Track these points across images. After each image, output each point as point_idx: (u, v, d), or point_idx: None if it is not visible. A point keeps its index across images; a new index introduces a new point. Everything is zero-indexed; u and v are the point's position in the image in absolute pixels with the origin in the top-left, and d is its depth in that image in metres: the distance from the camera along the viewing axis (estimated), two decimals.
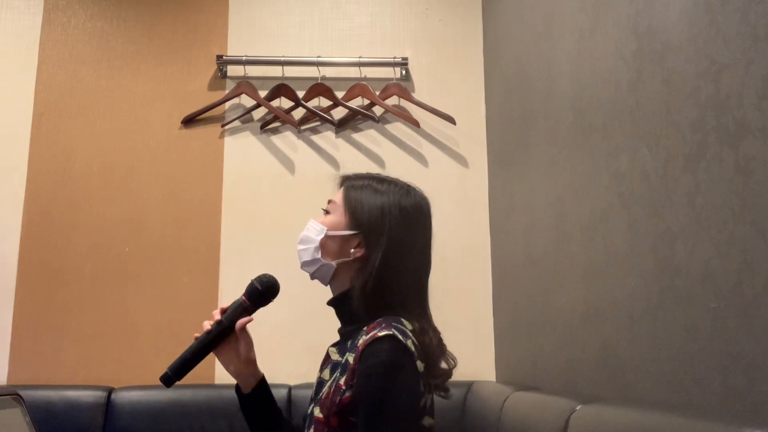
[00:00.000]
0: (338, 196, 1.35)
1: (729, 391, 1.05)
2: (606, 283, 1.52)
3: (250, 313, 1.32)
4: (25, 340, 2.47)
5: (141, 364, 2.43)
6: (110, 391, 2.30)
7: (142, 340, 2.49)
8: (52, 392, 2.27)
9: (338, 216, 1.32)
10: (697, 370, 1.14)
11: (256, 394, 1.34)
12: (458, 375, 2.32)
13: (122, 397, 2.28)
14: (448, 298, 2.53)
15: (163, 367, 2.65)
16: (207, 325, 1.31)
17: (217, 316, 1.32)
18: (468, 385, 2.28)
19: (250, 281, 1.34)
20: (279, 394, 2.26)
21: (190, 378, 2.44)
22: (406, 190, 1.33)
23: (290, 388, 2.30)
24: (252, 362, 1.33)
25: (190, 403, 2.27)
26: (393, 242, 1.27)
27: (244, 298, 1.33)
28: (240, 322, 1.30)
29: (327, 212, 1.36)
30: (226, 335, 1.31)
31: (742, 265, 1.03)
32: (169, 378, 1.29)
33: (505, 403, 1.70)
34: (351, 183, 1.35)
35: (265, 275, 1.34)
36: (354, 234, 1.30)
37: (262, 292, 1.33)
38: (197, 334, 1.31)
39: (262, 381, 1.35)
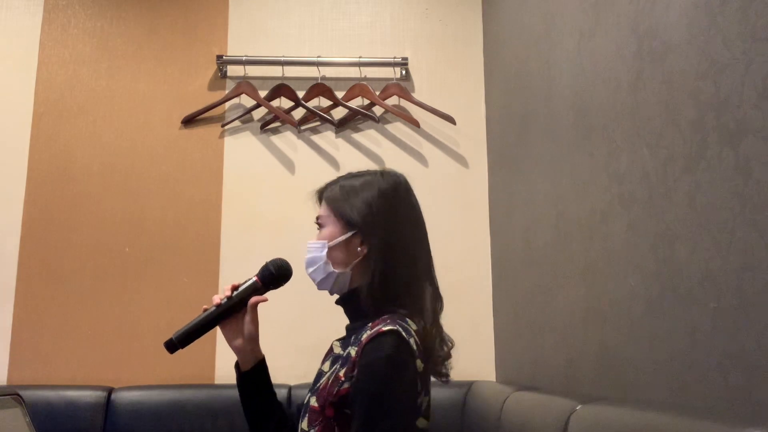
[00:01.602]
0: (323, 209, 1.38)
1: (729, 391, 1.05)
2: (606, 283, 1.52)
3: (261, 294, 1.35)
4: (25, 340, 2.47)
5: (141, 364, 2.43)
6: (110, 391, 2.30)
7: (142, 340, 2.49)
8: (52, 392, 2.27)
9: (331, 226, 1.35)
10: (697, 370, 1.14)
11: (254, 373, 1.36)
12: (458, 375, 2.32)
13: (122, 397, 2.28)
14: (448, 298, 2.51)
15: (163, 368, 2.65)
16: (217, 299, 1.34)
17: (228, 291, 1.34)
18: (468, 385, 2.28)
19: (264, 263, 1.36)
20: (279, 394, 2.26)
21: (190, 378, 2.44)
22: (380, 174, 1.37)
23: (290, 388, 2.30)
24: (255, 340, 1.35)
25: (190, 403, 2.27)
26: (386, 226, 1.30)
27: (257, 278, 1.35)
28: (254, 299, 1.33)
29: (320, 226, 1.38)
30: (234, 311, 1.34)
31: (742, 265, 1.03)
32: (174, 345, 1.31)
33: (505, 403, 1.70)
34: (328, 192, 1.39)
35: (279, 259, 1.37)
36: (353, 234, 1.32)
37: (276, 275, 1.35)
38: (206, 306, 1.34)
39: (262, 361, 1.38)
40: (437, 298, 1.33)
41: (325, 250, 1.33)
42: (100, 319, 2.50)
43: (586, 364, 1.62)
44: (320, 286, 1.36)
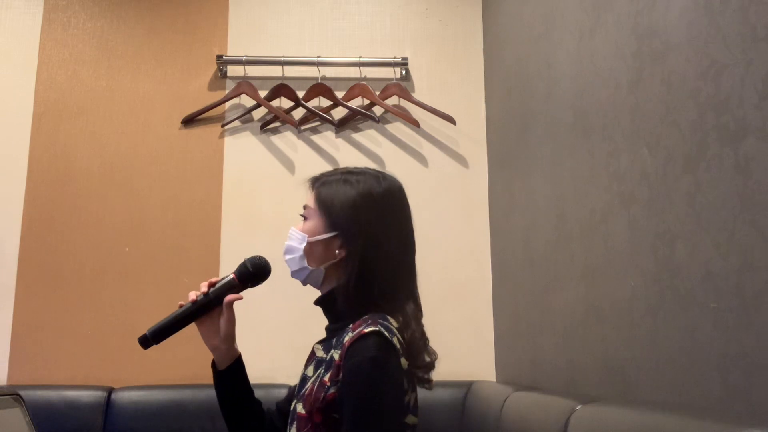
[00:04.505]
0: (311, 199, 1.34)
1: (729, 391, 1.05)
2: (606, 283, 1.52)
3: (238, 292, 1.33)
4: (25, 340, 2.47)
5: (141, 364, 2.43)
6: (110, 391, 2.30)
7: None
8: (52, 392, 2.27)
9: (315, 220, 1.32)
10: (697, 370, 1.14)
11: (230, 372, 1.36)
12: (458, 375, 2.35)
13: (122, 397, 2.28)
14: (448, 298, 2.53)
15: (163, 368, 2.65)
16: (193, 295, 1.33)
17: (205, 288, 1.33)
18: (468, 385, 2.28)
19: (242, 260, 1.35)
20: (279, 394, 2.26)
21: (190, 378, 2.44)
22: (376, 177, 1.32)
23: (290, 388, 2.29)
24: (231, 339, 1.34)
25: (190, 403, 2.27)
26: (370, 234, 1.27)
27: (233, 276, 1.34)
28: (229, 297, 1.32)
29: (305, 218, 1.35)
30: (210, 308, 1.33)
31: (742, 265, 1.03)
32: (147, 340, 1.31)
33: (505, 403, 1.70)
34: (321, 182, 1.34)
35: (257, 257, 1.36)
36: (334, 236, 1.29)
37: (252, 273, 1.34)
38: (182, 303, 1.33)
39: (239, 360, 1.37)
40: (417, 310, 1.29)
41: (304, 243, 1.31)
42: (100, 319, 2.50)
43: (586, 364, 1.62)
44: (293, 275, 1.34)
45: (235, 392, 1.36)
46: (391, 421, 1.16)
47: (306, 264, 1.31)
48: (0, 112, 2.62)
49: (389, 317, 1.23)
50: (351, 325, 1.23)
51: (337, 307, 1.30)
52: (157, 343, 1.30)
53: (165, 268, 2.55)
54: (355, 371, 1.15)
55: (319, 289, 1.35)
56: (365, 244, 1.26)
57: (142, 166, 2.63)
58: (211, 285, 1.33)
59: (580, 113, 1.69)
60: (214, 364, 1.38)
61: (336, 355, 1.21)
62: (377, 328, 1.17)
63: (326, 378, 1.20)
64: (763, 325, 0.98)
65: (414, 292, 1.31)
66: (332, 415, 1.18)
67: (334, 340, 1.27)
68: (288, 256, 1.34)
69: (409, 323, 1.24)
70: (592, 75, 1.62)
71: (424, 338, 1.27)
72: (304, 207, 1.36)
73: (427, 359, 1.26)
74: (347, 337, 1.20)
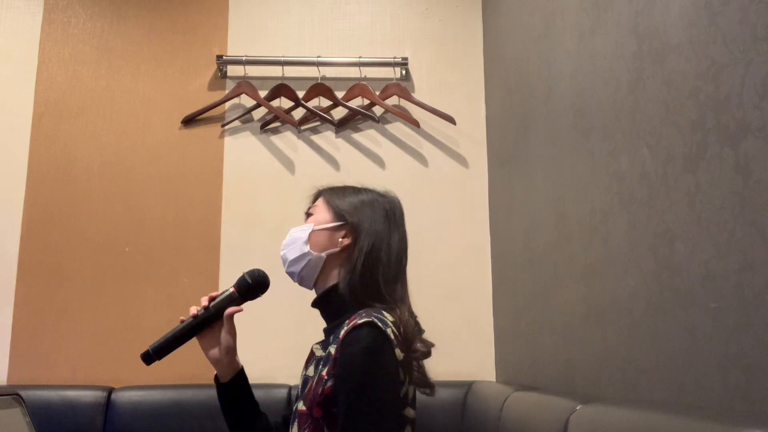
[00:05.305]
0: (318, 202, 1.41)
1: (729, 391, 1.05)
2: (606, 283, 1.52)
3: (238, 305, 1.35)
4: (25, 340, 2.47)
5: (141, 364, 2.42)
6: (110, 391, 2.30)
7: (142, 340, 2.46)
8: (52, 392, 2.27)
9: (322, 214, 1.38)
10: (697, 370, 1.14)
11: (233, 384, 1.36)
12: (458, 375, 2.35)
13: (122, 397, 2.28)
14: (448, 298, 2.53)
15: (162, 367, 2.65)
16: (193, 309, 1.34)
17: (205, 302, 1.34)
18: (468, 385, 2.28)
19: (242, 273, 1.37)
20: (279, 394, 2.27)
21: (190, 378, 2.44)
22: (381, 192, 1.42)
23: (290, 388, 2.30)
24: (232, 352, 1.35)
25: (190, 403, 2.27)
26: (376, 232, 1.33)
27: (233, 289, 1.35)
28: (229, 310, 1.33)
29: (308, 216, 1.41)
30: (211, 322, 1.34)
31: (742, 265, 1.03)
32: (150, 357, 1.32)
33: (505, 403, 1.70)
34: (329, 189, 1.43)
35: (256, 270, 1.37)
36: (340, 225, 1.35)
37: (252, 285, 1.35)
38: (183, 318, 1.34)
39: (241, 372, 1.38)
40: (409, 309, 1.33)
41: (309, 231, 1.35)
42: (100, 319, 2.50)
43: (586, 364, 1.62)
44: (290, 266, 1.36)
45: (239, 405, 1.37)
46: (386, 411, 1.16)
47: (308, 249, 1.34)
48: (0, 112, 2.62)
49: (384, 312, 1.24)
50: (347, 321, 1.24)
51: (334, 305, 1.32)
52: (159, 358, 1.32)
53: (165, 268, 2.56)
54: (348, 362, 1.17)
55: (313, 287, 1.38)
56: (372, 238, 1.32)
57: (142, 166, 2.63)
58: (212, 299, 1.35)
59: (580, 113, 1.69)
60: (217, 378, 1.38)
61: (333, 349, 1.23)
62: (371, 319, 1.18)
63: (324, 372, 1.22)
64: (763, 325, 0.98)
65: (406, 287, 1.36)
66: (332, 409, 1.19)
67: (332, 337, 1.28)
68: (286, 249, 1.37)
69: (404, 314, 1.26)
70: (592, 75, 1.62)
71: (418, 326, 1.29)
72: (309, 209, 1.42)
73: (423, 348, 1.27)
74: (343, 331, 1.21)
